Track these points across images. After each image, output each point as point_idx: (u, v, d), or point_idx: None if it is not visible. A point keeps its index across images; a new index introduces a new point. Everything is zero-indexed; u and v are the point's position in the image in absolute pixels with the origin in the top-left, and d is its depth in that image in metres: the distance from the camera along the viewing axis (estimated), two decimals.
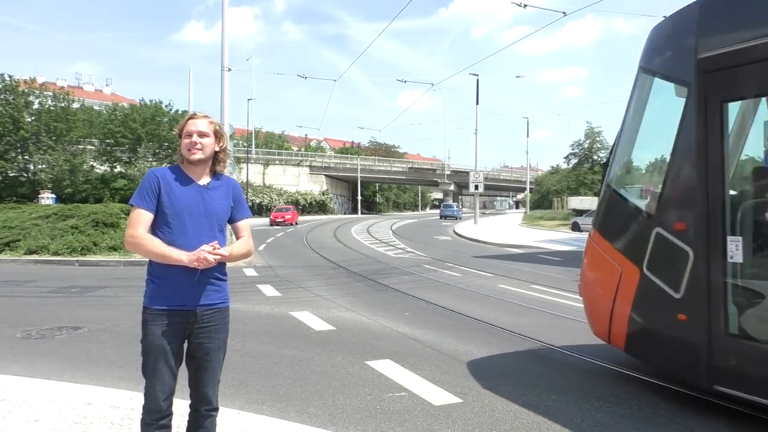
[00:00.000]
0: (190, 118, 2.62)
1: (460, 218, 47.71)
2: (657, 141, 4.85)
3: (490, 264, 15.00)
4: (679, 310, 4.07)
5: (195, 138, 2.55)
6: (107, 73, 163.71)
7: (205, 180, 2.61)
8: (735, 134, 4.26)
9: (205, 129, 2.58)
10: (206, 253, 2.43)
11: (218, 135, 2.63)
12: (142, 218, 2.48)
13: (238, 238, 2.71)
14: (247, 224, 2.73)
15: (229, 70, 16.86)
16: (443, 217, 49.83)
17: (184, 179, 2.57)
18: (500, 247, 21.26)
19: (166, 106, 41.07)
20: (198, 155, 2.55)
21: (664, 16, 4.85)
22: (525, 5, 18.67)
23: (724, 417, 4.12)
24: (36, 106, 34.43)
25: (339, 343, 6.27)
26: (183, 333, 2.54)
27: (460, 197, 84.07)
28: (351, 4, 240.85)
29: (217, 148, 2.63)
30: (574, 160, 54.52)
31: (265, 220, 41.41)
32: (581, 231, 29.55)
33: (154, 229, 2.52)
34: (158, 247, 2.44)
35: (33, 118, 33.99)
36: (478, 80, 37.66)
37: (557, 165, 63.08)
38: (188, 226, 2.50)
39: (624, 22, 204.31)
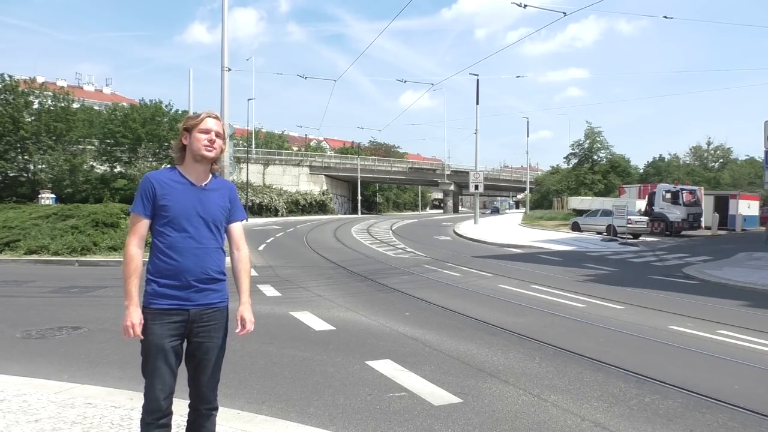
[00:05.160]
0: (208, 116, 2.65)
1: (499, 212, 71.37)
2: None
3: (490, 264, 15.00)
4: None
5: (213, 136, 2.60)
6: (109, 74, 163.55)
7: (203, 181, 2.63)
8: None
9: (220, 130, 2.65)
10: (134, 330, 2.46)
11: (223, 137, 2.72)
12: (138, 226, 2.55)
13: (231, 240, 2.74)
14: (240, 227, 2.77)
15: (229, 70, 16.84)
16: (492, 212, 72.86)
17: (182, 181, 2.59)
18: (500, 247, 21.25)
19: (166, 106, 41.07)
20: (213, 153, 2.61)
21: (665, 17, 4.84)
22: (525, 5, 18.63)
23: (724, 417, 4.12)
24: (36, 106, 34.40)
25: (339, 343, 6.27)
26: (182, 332, 2.55)
27: (460, 197, 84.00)
28: (352, 3, 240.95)
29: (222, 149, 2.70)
30: (574, 160, 54.48)
31: (266, 220, 41.41)
32: (581, 231, 29.57)
33: (155, 233, 2.56)
34: (129, 278, 2.49)
35: (33, 118, 33.95)
36: (478, 80, 37.61)
37: (557, 165, 63.08)
38: (187, 228, 2.53)
39: (626, 23, 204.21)
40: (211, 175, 2.67)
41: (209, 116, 2.65)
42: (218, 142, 2.63)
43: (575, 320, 7.72)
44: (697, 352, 6.05)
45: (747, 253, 18.29)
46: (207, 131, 2.59)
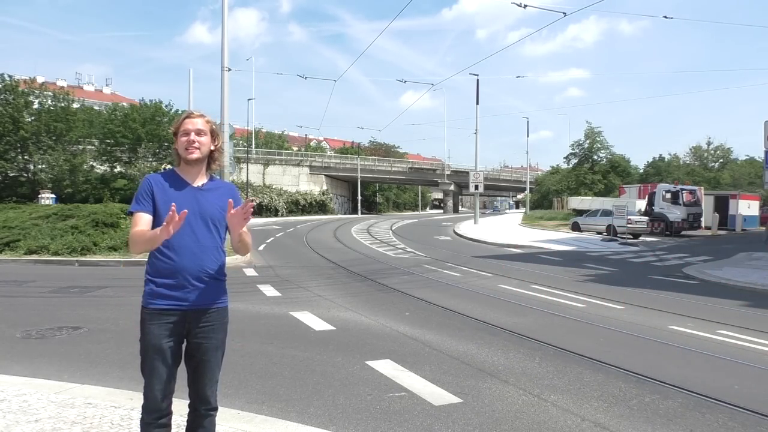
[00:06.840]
0: (187, 116, 2.61)
1: (500, 212, 71.32)
2: None
3: (490, 264, 15.00)
4: None
5: (192, 137, 2.56)
6: (109, 74, 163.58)
7: (200, 181, 2.62)
8: None
9: (202, 127, 2.59)
10: (172, 218, 2.30)
11: (214, 134, 2.65)
12: (140, 220, 2.51)
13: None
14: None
15: (229, 70, 16.84)
16: (493, 211, 73.60)
17: (179, 183, 2.58)
18: (500, 247, 21.25)
19: (166, 106, 40.98)
20: (196, 154, 2.56)
21: (665, 17, 4.84)
22: (525, 5, 18.64)
23: (724, 417, 4.12)
24: (36, 106, 34.37)
25: (339, 343, 6.27)
26: (180, 333, 2.54)
27: (460, 197, 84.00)
28: (352, 3, 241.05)
29: (212, 147, 2.64)
30: (574, 160, 54.49)
31: (266, 220, 41.34)
32: (581, 231, 29.56)
33: None
34: (147, 233, 2.42)
35: (33, 118, 33.90)
36: (478, 80, 37.61)
37: (557, 165, 63.08)
38: (184, 229, 2.50)
39: (627, 23, 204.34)
40: (208, 177, 2.66)
41: (188, 116, 2.60)
42: (201, 140, 2.56)
43: (575, 320, 7.72)
44: (697, 352, 6.05)
45: (747, 253, 18.29)
46: (186, 133, 2.56)
